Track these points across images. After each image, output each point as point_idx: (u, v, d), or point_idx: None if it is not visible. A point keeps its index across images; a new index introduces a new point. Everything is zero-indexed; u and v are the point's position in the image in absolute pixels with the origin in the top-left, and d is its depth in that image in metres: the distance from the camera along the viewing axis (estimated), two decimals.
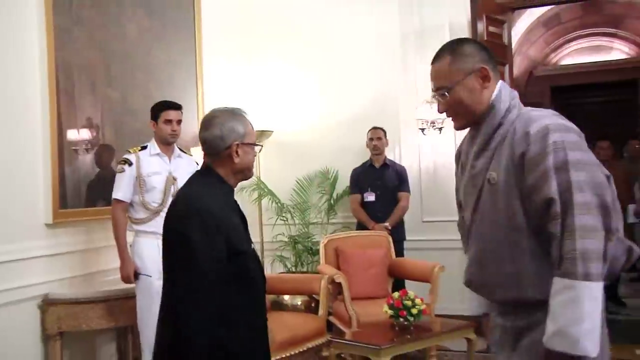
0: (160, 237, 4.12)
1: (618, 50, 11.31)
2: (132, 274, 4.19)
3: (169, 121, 4.32)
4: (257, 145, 2.54)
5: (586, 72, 11.25)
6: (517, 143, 1.99)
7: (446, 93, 2.11)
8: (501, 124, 2.07)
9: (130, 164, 4.26)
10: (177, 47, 5.73)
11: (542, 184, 1.91)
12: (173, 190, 4.29)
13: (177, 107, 4.40)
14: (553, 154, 1.91)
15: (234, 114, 2.50)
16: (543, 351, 1.90)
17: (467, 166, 2.20)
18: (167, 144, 4.39)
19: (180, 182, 4.26)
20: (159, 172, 4.32)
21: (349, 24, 6.47)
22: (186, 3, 5.86)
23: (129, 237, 4.34)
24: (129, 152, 4.34)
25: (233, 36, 6.56)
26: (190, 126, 5.78)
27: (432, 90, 2.17)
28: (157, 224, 4.16)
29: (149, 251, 4.17)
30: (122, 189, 4.24)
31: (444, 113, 2.18)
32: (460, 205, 2.36)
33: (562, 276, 1.86)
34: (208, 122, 2.48)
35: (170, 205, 2.51)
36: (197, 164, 4.51)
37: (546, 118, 1.99)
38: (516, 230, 1.99)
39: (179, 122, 4.38)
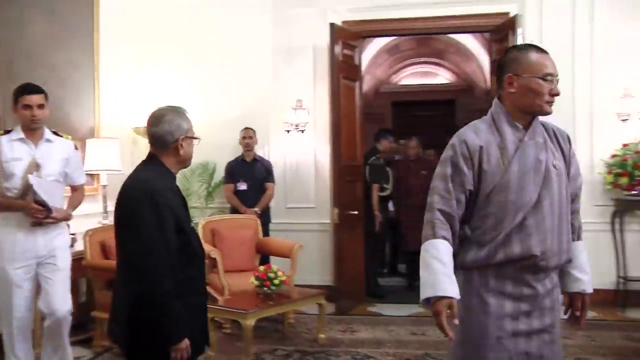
0: (22, 230, 3.48)
1: (442, 76, 12.01)
2: (35, 204, 3.43)
3: (28, 106, 3.48)
4: (197, 138, 2.50)
5: (418, 91, 11.85)
6: (564, 142, 2.24)
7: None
8: None
9: None
10: (77, 49, 5.44)
11: (579, 173, 2.29)
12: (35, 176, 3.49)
13: (37, 90, 3.54)
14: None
15: (179, 112, 2.45)
16: (587, 297, 2.23)
17: (524, 154, 2.10)
18: (30, 129, 3.55)
19: (49, 168, 3.57)
20: (20, 158, 3.49)
21: (229, 37, 6.43)
22: (87, 10, 5.57)
23: None
24: None
25: (128, 42, 6.30)
26: (87, 120, 5.53)
27: (554, 75, 2.10)
28: (19, 214, 3.50)
29: (7, 244, 3.50)
30: None
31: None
32: (443, 202, 2.12)
33: (581, 239, 2.28)
34: (157, 119, 2.40)
35: (121, 190, 2.38)
36: (77, 148, 3.91)
37: None
38: (569, 206, 2.20)
39: (41, 106, 3.52)
